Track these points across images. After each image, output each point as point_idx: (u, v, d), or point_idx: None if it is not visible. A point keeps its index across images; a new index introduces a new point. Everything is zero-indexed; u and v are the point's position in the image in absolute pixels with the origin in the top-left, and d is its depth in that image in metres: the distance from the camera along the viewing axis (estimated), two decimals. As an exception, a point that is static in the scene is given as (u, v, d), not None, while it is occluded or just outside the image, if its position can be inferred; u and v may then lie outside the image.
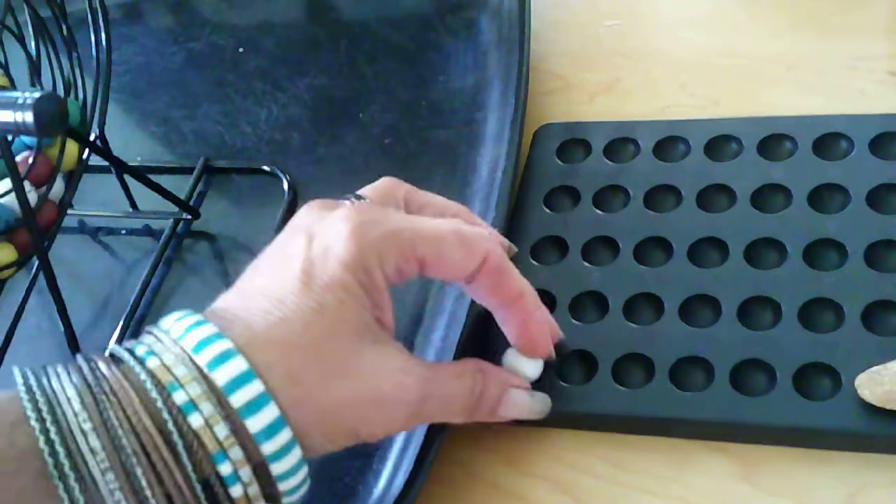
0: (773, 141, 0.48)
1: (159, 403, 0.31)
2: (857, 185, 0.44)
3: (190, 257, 0.56)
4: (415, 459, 0.40)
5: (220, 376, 0.32)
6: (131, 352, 0.33)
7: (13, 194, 0.44)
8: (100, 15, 0.50)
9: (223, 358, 0.32)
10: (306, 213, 0.38)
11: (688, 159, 0.49)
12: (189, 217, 0.56)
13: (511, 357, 0.41)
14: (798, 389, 0.39)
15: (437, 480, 0.41)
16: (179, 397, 0.32)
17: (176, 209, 0.55)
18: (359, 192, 0.41)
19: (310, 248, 0.36)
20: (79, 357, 0.34)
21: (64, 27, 0.49)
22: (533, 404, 0.40)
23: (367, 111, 0.58)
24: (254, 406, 0.32)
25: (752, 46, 0.55)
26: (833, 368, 0.39)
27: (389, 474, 0.42)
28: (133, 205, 0.57)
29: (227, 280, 0.53)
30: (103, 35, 0.50)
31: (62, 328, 0.48)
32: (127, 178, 0.56)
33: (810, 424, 0.38)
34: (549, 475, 0.41)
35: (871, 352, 0.39)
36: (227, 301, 0.36)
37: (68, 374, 0.32)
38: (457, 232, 0.38)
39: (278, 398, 0.32)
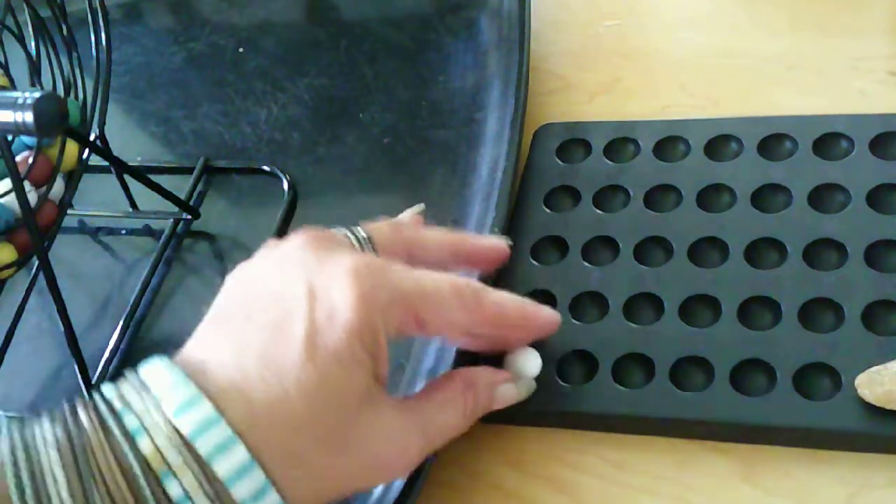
0: (773, 141, 0.48)
1: (147, 492, 0.30)
2: (857, 185, 0.44)
3: (190, 257, 0.56)
4: (415, 459, 0.40)
5: (222, 468, 0.31)
6: (119, 420, 0.31)
7: (13, 194, 0.44)
8: (100, 15, 0.50)
9: (223, 447, 0.31)
10: (302, 252, 0.36)
11: (688, 159, 0.49)
12: (189, 217, 0.56)
13: (511, 358, 0.41)
14: (798, 389, 0.39)
15: (437, 481, 0.41)
16: (174, 489, 0.30)
17: (176, 209, 0.55)
18: (363, 231, 0.40)
19: (313, 310, 0.34)
20: (69, 420, 0.32)
21: (64, 27, 0.49)
22: (519, 391, 0.41)
23: (367, 111, 0.58)
24: (257, 497, 0.31)
25: (752, 46, 0.55)
26: (833, 368, 0.39)
27: (389, 474, 0.42)
28: (133, 205, 0.57)
29: (226, 280, 0.54)
30: (103, 35, 0.50)
31: (62, 328, 0.48)
32: (127, 178, 0.56)
33: (810, 424, 0.38)
34: (549, 475, 0.41)
35: (871, 352, 0.39)
36: (217, 352, 0.34)
37: (58, 450, 0.31)
38: (456, 289, 0.37)
39: (278, 482, 0.32)
